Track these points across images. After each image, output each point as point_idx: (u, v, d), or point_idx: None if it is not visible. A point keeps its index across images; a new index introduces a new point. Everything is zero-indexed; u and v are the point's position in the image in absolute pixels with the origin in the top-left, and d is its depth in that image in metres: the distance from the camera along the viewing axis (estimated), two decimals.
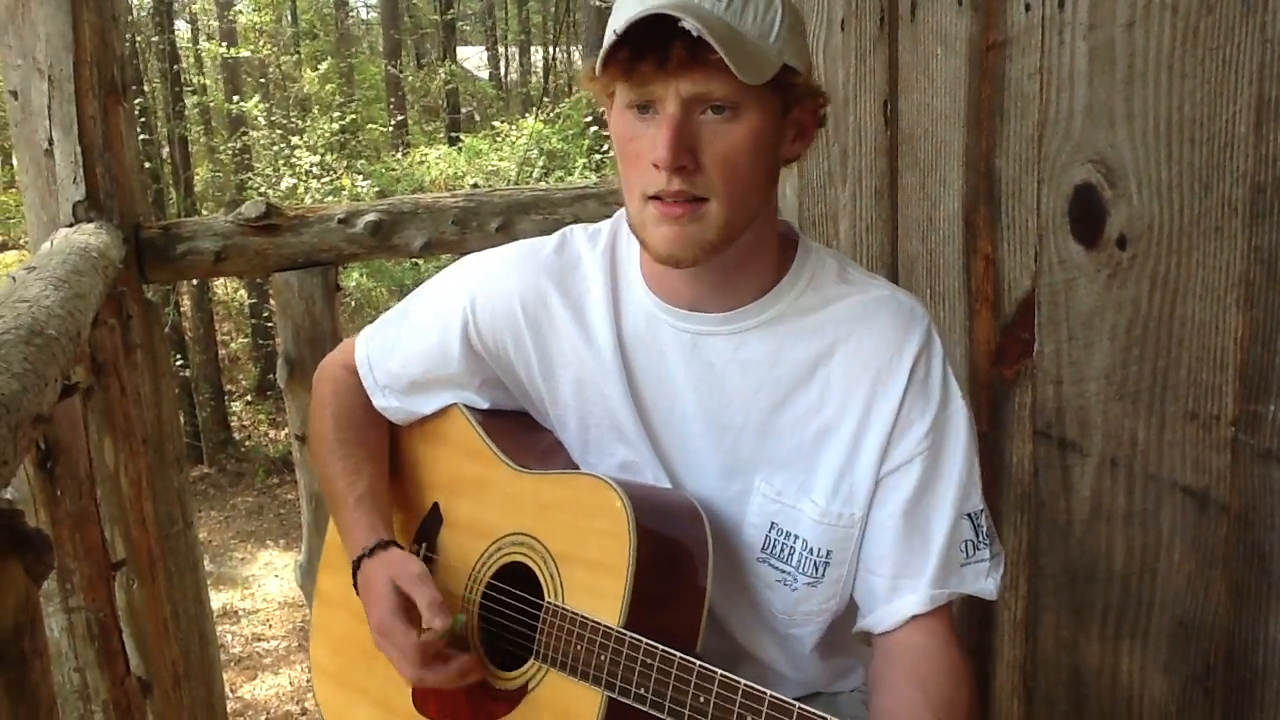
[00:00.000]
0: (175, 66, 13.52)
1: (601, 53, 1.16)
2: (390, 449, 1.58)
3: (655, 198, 1.20)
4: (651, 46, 1.13)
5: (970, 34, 1.91)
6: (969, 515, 1.32)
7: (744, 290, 1.32)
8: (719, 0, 1.15)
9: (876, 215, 2.16)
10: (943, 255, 2.04)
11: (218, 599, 8.13)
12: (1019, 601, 2.02)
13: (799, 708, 1.07)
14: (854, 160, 2.18)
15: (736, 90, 1.15)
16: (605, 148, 11.44)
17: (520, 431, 1.47)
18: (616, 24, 1.14)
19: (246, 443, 12.74)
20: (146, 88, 12.91)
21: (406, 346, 1.49)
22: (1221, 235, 1.62)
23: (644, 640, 1.19)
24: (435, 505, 1.51)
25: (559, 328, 1.39)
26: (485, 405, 1.49)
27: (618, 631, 1.21)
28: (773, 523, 1.34)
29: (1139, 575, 1.83)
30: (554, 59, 18.24)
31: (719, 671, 1.14)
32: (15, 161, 2.49)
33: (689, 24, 1.09)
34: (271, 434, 12.64)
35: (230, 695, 6.71)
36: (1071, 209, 1.80)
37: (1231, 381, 1.64)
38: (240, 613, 8.37)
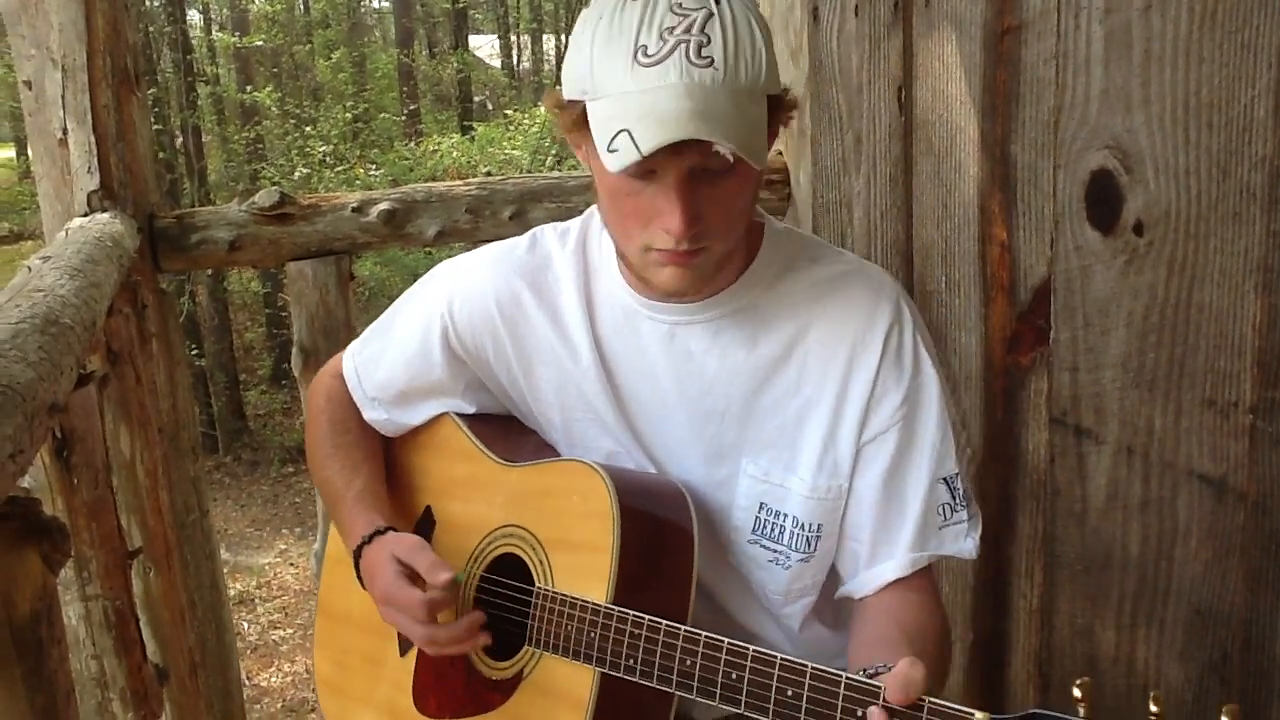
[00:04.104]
0: (188, 56, 13.55)
1: (619, 163, 1.12)
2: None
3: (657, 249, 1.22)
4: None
5: (985, 18, 1.89)
6: (945, 479, 1.34)
7: (718, 278, 1.33)
8: (717, 71, 1.11)
9: (891, 202, 2.15)
10: (958, 242, 2.03)
11: (233, 587, 8.18)
12: (1034, 589, 2.01)
13: (781, 657, 1.10)
14: (868, 147, 2.17)
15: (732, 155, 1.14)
16: None
17: (508, 431, 1.49)
18: (642, 140, 1.10)
19: (262, 431, 12.80)
20: (159, 78, 12.94)
21: (391, 357, 1.51)
22: (1240, 220, 1.60)
23: (630, 613, 1.21)
24: (428, 509, 1.52)
25: (535, 327, 1.41)
26: (472, 410, 1.50)
27: (605, 607, 1.23)
28: (761, 503, 1.36)
29: (1155, 563, 1.82)
30: (567, 47, 18.18)
31: (703, 634, 1.16)
32: (30, 151, 2.50)
33: (723, 148, 1.10)
34: (286, 422, 12.70)
35: (246, 683, 6.75)
36: (1088, 195, 1.79)
37: (1249, 368, 1.63)
38: (256, 600, 8.41)
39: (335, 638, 1.62)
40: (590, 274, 1.40)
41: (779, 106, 1.21)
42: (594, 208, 1.44)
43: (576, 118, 1.20)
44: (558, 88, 1.24)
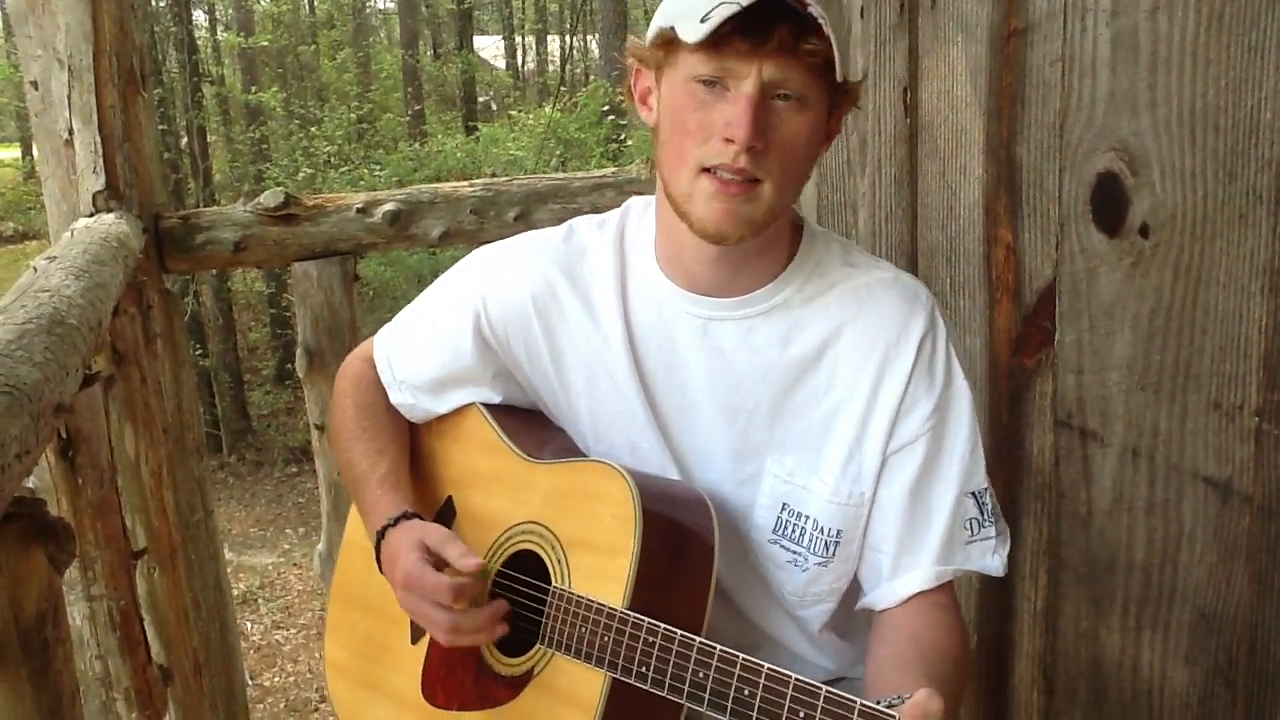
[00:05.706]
0: (193, 56, 13.55)
1: (713, 20, 1.14)
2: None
3: (709, 171, 1.21)
4: (754, 25, 1.15)
5: (991, 20, 1.89)
6: (973, 493, 1.34)
7: (756, 276, 1.34)
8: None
9: (896, 204, 2.15)
10: (963, 244, 2.03)
11: (237, 587, 8.18)
12: (1039, 592, 2.01)
13: (795, 678, 1.08)
14: (873, 149, 2.16)
15: (809, 83, 1.19)
16: (622, 136, 11.42)
17: (533, 426, 1.49)
18: None
19: (266, 432, 12.81)
20: (164, 78, 12.95)
21: (422, 342, 1.51)
22: (1246, 223, 1.60)
23: (645, 619, 1.20)
24: (449, 499, 1.52)
25: (569, 317, 1.41)
26: (499, 400, 1.50)
27: (620, 612, 1.22)
28: (784, 504, 1.36)
29: (1160, 566, 1.82)
30: (571, 48, 18.21)
31: (718, 647, 1.15)
32: (36, 151, 2.50)
33: (816, 10, 1.14)
34: (290, 422, 12.70)
35: (250, 683, 6.76)
36: (1093, 197, 1.78)
37: (1255, 371, 1.63)
38: (259, 600, 8.42)
39: (347, 622, 1.62)
40: (627, 264, 1.40)
41: (844, 95, 1.26)
42: (631, 200, 1.44)
43: (657, 45, 1.23)
44: (666, 28, 1.24)
